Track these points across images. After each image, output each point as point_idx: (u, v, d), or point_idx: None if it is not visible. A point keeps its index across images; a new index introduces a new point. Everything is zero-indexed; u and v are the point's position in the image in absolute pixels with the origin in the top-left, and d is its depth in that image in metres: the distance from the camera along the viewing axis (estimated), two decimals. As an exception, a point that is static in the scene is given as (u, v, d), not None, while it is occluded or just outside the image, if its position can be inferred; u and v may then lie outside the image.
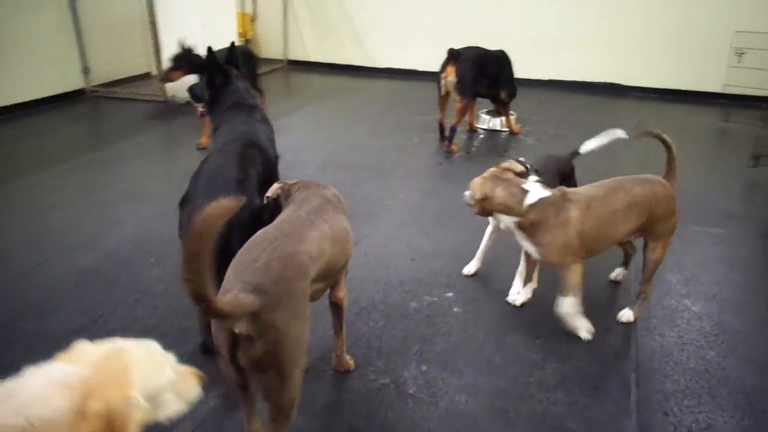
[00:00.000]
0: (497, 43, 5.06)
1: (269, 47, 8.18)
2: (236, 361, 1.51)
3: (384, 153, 4.63)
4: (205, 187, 2.11)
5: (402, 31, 7.44)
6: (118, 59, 6.45)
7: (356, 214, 3.06)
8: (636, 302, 2.57)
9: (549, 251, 2.29)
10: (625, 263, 2.87)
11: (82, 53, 6.18)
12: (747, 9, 5.88)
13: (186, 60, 4.58)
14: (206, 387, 1.35)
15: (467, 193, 2.39)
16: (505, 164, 2.42)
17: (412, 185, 3.98)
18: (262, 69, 7.40)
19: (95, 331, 2.43)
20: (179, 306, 2.62)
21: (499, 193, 2.28)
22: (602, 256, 2.54)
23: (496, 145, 4.96)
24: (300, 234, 1.68)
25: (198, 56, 4.46)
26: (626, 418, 2.02)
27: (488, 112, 5.35)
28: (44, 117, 5.56)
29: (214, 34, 5.75)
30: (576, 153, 2.98)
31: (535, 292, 2.70)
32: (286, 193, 2.01)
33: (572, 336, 2.43)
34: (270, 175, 2.51)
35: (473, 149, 4.89)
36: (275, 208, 2.02)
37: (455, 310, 2.63)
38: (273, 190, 2.06)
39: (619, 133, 2.82)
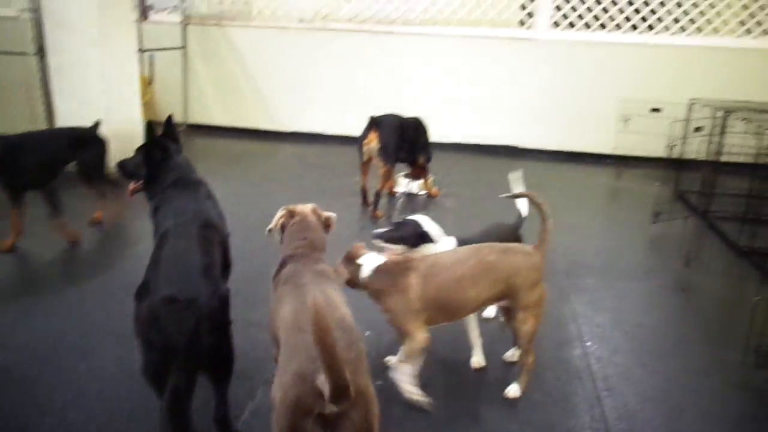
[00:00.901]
0: (403, 107, 5.26)
1: (167, 111, 7.84)
2: None
3: (308, 220, 4.53)
4: (168, 275, 1.92)
5: (308, 94, 7.50)
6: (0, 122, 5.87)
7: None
8: (521, 376, 2.52)
9: (393, 317, 2.33)
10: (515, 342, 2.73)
11: (-42, 118, 5.58)
12: (629, 80, 6.59)
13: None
14: None
15: None
16: (352, 250, 2.49)
17: (340, 252, 3.90)
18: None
19: (21, 448, 2.09)
20: (119, 408, 2.32)
21: (346, 274, 2.41)
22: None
23: (417, 208, 5.04)
24: (334, 302, 1.77)
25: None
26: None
27: (406, 175, 5.46)
28: None
29: (117, 100, 5.49)
30: (522, 218, 3.07)
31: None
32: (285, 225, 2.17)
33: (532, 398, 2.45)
34: (226, 255, 2.35)
35: (395, 213, 4.93)
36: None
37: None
38: (276, 220, 2.19)
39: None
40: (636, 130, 6.19)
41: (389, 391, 2.38)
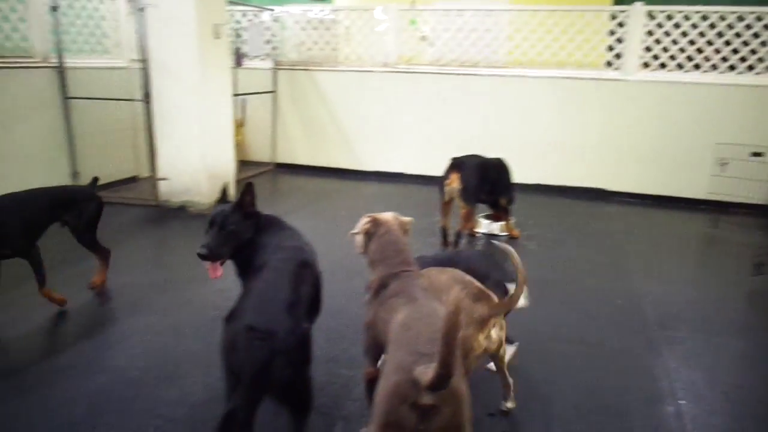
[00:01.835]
0: (486, 148, 5.24)
1: (257, 151, 8.28)
2: None
3: (389, 259, 4.58)
4: (254, 306, 2.01)
5: (391, 135, 7.66)
6: (106, 164, 6.38)
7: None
8: None
9: None
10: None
11: (72, 158, 6.11)
12: (727, 123, 6.27)
13: None
14: None
15: None
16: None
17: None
18: (251, 172, 7.49)
19: (115, 468, 2.20)
20: (205, 434, 2.41)
21: None
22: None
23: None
24: (439, 313, 1.83)
25: None
26: None
27: (487, 217, 5.43)
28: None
29: (212, 141, 5.84)
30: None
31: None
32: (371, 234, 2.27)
33: None
34: (318, 294, 2.42)
35: (476, 254, 4.89)
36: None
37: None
38: (361, 227, 2.27)
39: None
40: (734, 174, 5.86)
41: None
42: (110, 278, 4.07)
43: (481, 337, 2.27)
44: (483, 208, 5.25)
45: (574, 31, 6.78)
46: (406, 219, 2.41)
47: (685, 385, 2.92)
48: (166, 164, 5.89)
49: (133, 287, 3.95)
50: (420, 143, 7.51)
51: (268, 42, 7.88)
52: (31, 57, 5.71)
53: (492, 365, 2.61)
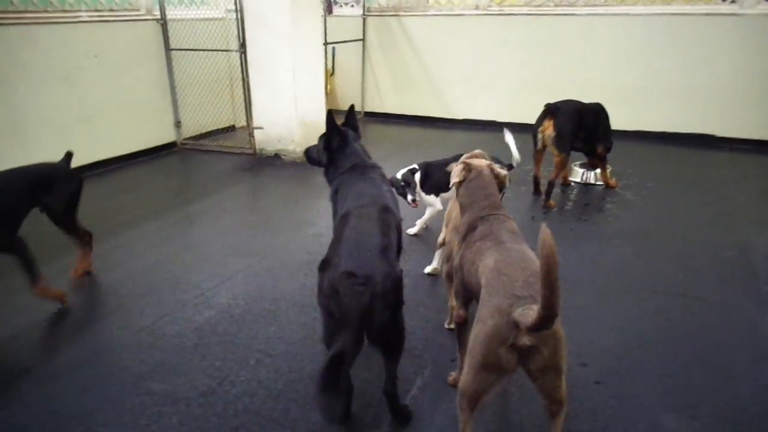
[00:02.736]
0: (579, 94, 4.97)
1: (346, 100, 8.34)
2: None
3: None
4: (348, 252, 2.05)
5: (482, 81, 7.45)
6: (205, 113, 6.67)
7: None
8: None
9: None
10: None
11: (175, 108, 6.44)
12: None
13: None
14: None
15: None
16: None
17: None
18: (340, 121, 7.55)
19: (222, 394, 2.39)
20: (302, 369, 2.55)
21: None
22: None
23: (593, 200, 4.79)
24: (529, 256, 1.87)
25: None
26: None
27: (582, 165, 5.21)
28: (140, 169, 5.77)
29: (303, 90, 5.93)
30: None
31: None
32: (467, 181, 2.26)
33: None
34: (399, 238, 2.45)
35: (569, 204, 4.73)
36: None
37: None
38: (457, 172, 2.27)
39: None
40: None
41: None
42: (214, 221, 4.34)
43: None
44: (577, 156, 5.04)
45: (686, -38, 6.21)
46: (503, 171, 2.35)
47: (798, 344, 2.74)
48: (260, 114, 6.08)
49: (233, 230, 4.18)
50: (512, 89, 7.26)
51: (357, -13, 7.81)
52: (137, 10, 6.00)
53: None
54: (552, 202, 4.57)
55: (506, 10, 7.12)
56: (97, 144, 5.60)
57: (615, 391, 2.39)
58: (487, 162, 2.35)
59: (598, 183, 5.11)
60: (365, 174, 2.61)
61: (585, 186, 5.12)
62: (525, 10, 7.02)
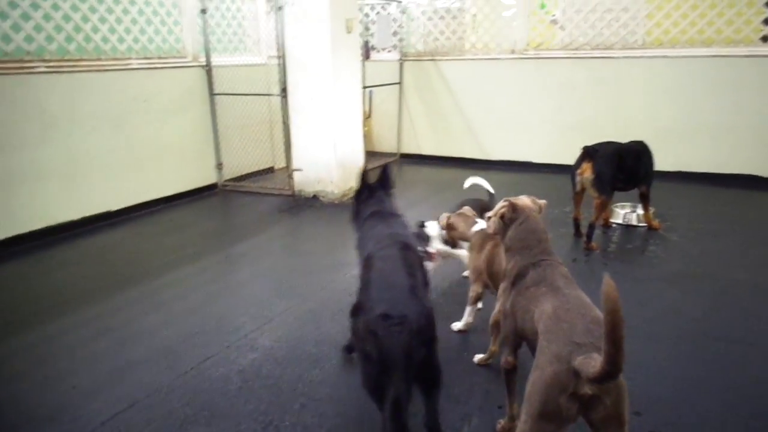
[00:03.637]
0: (619, 135, 4.93)
1: (383, 142, 8.45)
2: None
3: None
4: (379, 294, 2.12)
5: (518, 123, 7.48)
6: (246, 156, 6.83)
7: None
8: None
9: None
10: None
11: (217, 150, 6.62)
12: None
13: None
14: None
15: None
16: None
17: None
18: (377, 163, 7.65)
19: (268, 439, 2.37)
20: (346, 414, 2.53)
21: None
22: None
23: (636, 242, 4.70)
24: (587, 303, 1.85)
25: None
26: None
27: (624, 206, 5.14)
28: (182, 210, 5.91)
29: (343, 132, 6.04)
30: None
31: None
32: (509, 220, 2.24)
33: None
34: (425, 274, 2.46)
35: (611, 246, 4.65)
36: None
37: None
38: (497, 210, 2.27)
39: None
40: None
41: None
42: (254, 262, 4.40)
43: None
44: (620, 196, 4.97)
45: (723, 5, 6.20)
46: (541, 201, 2.36)
47: None
48: (300, 155, 6.20)
49: (274, 271, 4.23)
50: (549, 131, 7.26)
51: (395, 34, 8.00)
52: (183, 57, 6.25)
53: None
54: (594, 244, 4.50)
55: (543, 54, 7.19)
56: (142, 186, 5.77)
57: (672, 444, 2.30)
58: (531, 198, 2.34)
59: (640, 224, 5.02)
60: (384, 218, 2.72)
61: (627, 228, 5.04)
62: (561, 53, 7.08)
